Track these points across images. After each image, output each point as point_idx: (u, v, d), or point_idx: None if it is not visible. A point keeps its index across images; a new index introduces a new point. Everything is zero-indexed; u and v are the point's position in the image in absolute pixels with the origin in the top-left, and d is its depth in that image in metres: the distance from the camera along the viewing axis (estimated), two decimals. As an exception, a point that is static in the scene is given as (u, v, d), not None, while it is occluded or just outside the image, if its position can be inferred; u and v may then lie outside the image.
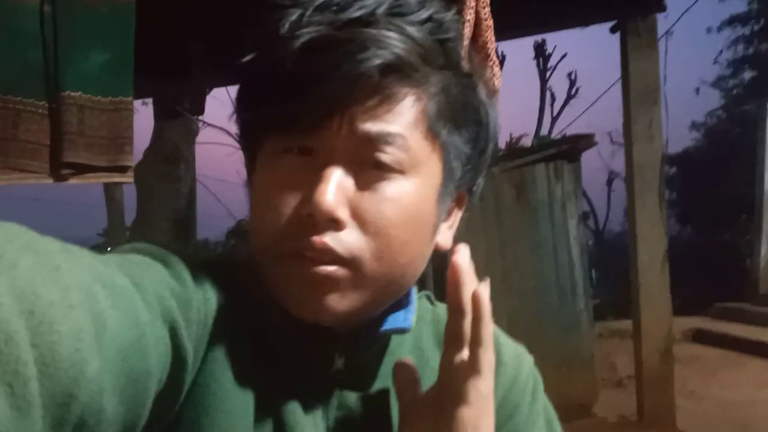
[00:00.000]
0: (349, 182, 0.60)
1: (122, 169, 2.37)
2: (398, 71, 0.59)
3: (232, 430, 0.60)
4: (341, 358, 0.66)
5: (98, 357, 0.41)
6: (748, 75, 17.87)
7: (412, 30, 0.60)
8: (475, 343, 0.61)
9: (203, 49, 3.77)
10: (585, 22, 4.87)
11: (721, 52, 18.27)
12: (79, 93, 2.24)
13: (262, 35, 0.61)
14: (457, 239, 0.69)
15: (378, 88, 0.59)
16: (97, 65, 2.27)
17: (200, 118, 5.20)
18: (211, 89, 4.94)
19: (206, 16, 3.65)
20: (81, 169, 2.29)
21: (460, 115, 0.65)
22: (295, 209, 0.60)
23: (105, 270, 0.49)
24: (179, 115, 4.45)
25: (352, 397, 0.68)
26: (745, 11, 16.99)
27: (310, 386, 0.66)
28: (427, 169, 0.63)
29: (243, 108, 0.65)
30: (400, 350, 0.73)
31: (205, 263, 0.66)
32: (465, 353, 0.62)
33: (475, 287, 0.61)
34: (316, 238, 0.59)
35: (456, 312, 0.62)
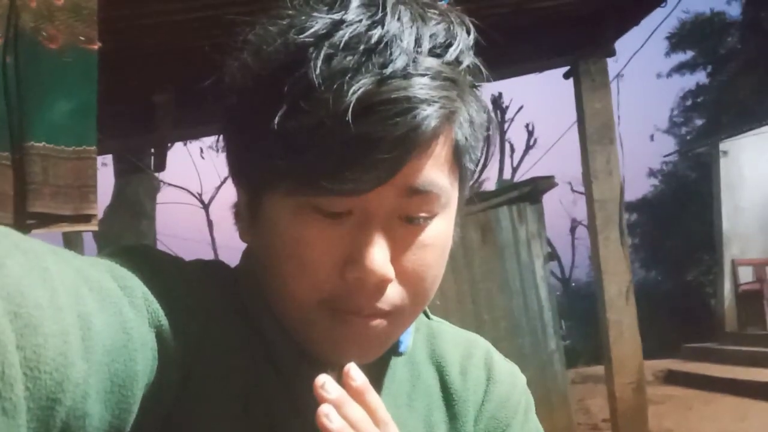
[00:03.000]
0: (388, 236, 0.59)
1: (86, 218, 2.35)
2: (442, 119, 0.57)
3: None
4: (334, 372, 0.65)
5: (84, 361, 0.41)
6: (699, 122, 18.45)
7: (448, 71, 0.57)
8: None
9: (167, 102, 3.79)
10: (539, 68, 5.03)
11: (672, 111, 18.90)
12: (43, 143, 2.22)
13: (291, 83, 0.55)
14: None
15: (425, 143, 0.57)
16: (61, 115, 2.26)
17: (161, 178, 5.18)
18: (172, 144, 4.95)
19: (170, 70, 3.68)
20: (45, 219, 2.26)
21: (476, 136, 0.63)
22: (337, 269, 0.58)
23: (93, 273, 0.48)
24: (141, 172, 4.43)
25: None
26: (692, 58, 17.64)
27: (302, 397, 0.63)
28: (452, 201, 0.63)
29: (265, 160, 0.58)
30: (395, 365, 0.73)
31: (195, 268, 0.65)
32: None
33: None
34: (366, 303, 0.59)
35: None
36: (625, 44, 4.65)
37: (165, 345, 0.54)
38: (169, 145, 4.93)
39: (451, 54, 0.58)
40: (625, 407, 4.31)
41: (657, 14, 4.37)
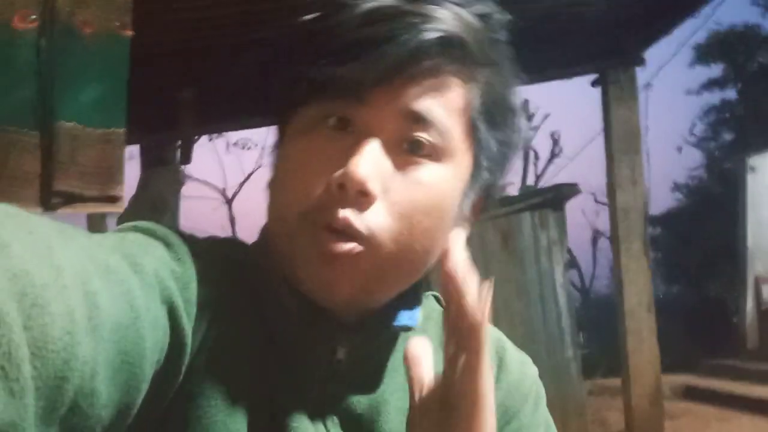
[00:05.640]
0: (384, 159, 0.60)
1: (113, 200, 2.37)
2: (453, 53, 0.60)
3: (227, 413, 0.59)
4: (344, 349, 0.64)
5: (91, 339, 0.41)
6: (727, 136, 18.21)
7: (471, 19, 0.61)
8: (476, 342, 0.51)
9: (192, 98, 3.82)
10: (567, 75, 5.01)
11: (694, 125, 18.68)
12: (73, 123, 2.25)
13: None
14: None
15: (432, 66, 0.59)
16: (92, 97, 2.29)
17: (186, 172, 5.20)
18: (199, 137, 4.98)
19: (196, 66, 3.72)
20: (71, 199, 2.29)
21: (499, 113, 0.65)
22: (325, 178, 0.59)
23: (100, 251, 0.48)
24: (166, 164, 4.45)
25: (354, 392, 0.66)
26: (721, 76, 17.39)
27: (310, 373, 0.64)
28: (460, 160, 0.63)
29: (288, 69, 0.64)
30: (404, 341, 0.70)
31: (208, 245, 0.66)
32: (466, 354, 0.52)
33: (473, 284, 0.51)
34: (340, 214, 0.58)
35: (455, 311, 0.51)
36: (655, 56, 4.62)
37: (177, 322, 0.54)
38: (195, 137, 4.97)
39: (476, 9, 0.63)
40: (641, 419, 4.27)
41: (689, 27, 4.34)
